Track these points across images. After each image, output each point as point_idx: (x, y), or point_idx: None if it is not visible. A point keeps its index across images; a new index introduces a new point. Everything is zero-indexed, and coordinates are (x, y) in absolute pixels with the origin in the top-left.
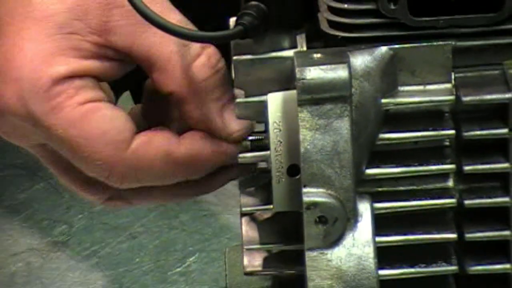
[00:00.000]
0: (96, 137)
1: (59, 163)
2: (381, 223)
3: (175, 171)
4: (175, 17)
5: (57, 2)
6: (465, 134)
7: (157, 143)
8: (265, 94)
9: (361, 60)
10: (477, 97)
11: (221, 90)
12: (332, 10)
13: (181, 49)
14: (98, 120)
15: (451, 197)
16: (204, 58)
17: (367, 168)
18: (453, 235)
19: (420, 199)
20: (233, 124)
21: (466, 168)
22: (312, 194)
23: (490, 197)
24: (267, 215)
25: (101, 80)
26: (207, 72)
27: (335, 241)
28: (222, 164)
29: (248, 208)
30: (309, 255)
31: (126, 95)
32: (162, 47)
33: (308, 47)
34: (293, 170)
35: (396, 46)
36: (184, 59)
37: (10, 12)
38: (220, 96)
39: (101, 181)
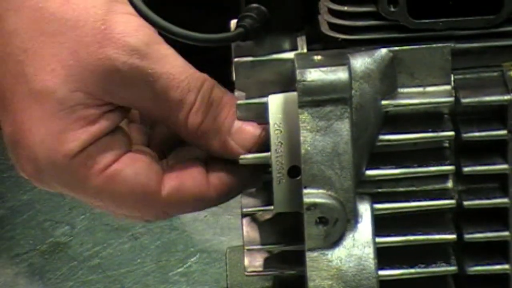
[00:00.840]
0: (126, 197)
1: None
2: (381, 224)
3: (203, 208)
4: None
5: (51, 77)
6: (464, 135)
7: (188, 189)
8: (266, 96)
9: (361, 62)
10: (476, 99)
11: (218, 129)
12: (332, 12)
13: (179, 104)
14: (122, 182)
15: (450, 198)
16: (195, 107)
17: (367, 169)
18: (452, 236)
19: (419, 200)
20: (239, 150)
21: (465, 169)
22: (313, 195)
23: (489, 198)
24: (268, 216)
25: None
26: (201, 116)
27: (336, 242)
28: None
29: (249, 209)
30: (310, 255)
31: None
32: (160, 106)
33: (308, 49)
34: (294, 171)
35: (396, 48)
36: (181, 113)
37: (11, 89)
38: (219, 133)
39: None
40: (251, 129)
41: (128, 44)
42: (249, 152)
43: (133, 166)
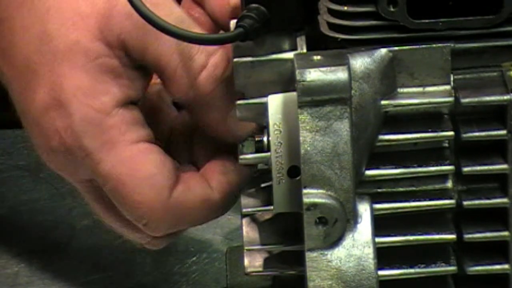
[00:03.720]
0: (143, 178)
1: (103, 201)
2: (381, 224)
3: (210, 215)
4: (177, 12)
5: (73, 31)
6: (464, 135)
7: (196, 191)
8: (266, 96)
9: (360, 62)
10: (476, 99)
11: (225, 100)
12: (332, 12)
13: (187, 62)
14: (148, 162)
15: (450, 198)
16: (208, 72)
17: (366, 169)
18: (452, 236)
19: (419, 200)
20: (237, 131)
21: (465, 169)
22: (312, 195)
23: (488, 198)
24: (267, 216)
25: (137, 100)
26: (211, 85)
27: (335, 242)
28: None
29: (249, 209)
30: (309, 255)
31: None
32: (169, 58)
33: (308, 49)
34: (294, 171)
35: (396, 48)
36: (189, 72)
37: (37, 51)
38: (224, 105)
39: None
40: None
41: None
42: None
43: (161, 155)
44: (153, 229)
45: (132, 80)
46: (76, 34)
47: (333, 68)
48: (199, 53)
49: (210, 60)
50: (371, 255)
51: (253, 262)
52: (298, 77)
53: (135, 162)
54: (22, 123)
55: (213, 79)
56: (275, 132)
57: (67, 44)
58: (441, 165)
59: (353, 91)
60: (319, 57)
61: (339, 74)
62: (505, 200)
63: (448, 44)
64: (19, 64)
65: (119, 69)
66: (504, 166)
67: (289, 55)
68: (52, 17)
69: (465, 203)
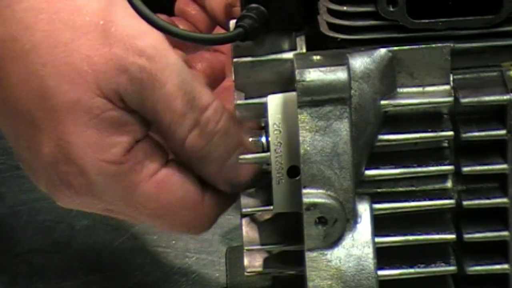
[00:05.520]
0: (175, 204)
1: None
2: (380, 224)
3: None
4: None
5: (71, 88)
6: (464, 135)
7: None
8: (265, 96)
9: (360, 62)
10: (476, 99)
11: (221, 151)
12: (332, 12)
13: (179, 119)
14: (173, 188)
15: (450, 198)
16: (199, 129)
17: (366, 169)
18: (451, 236)
19: (419, 200)
20: (235, 180)
21: (465, 169)
22: (312, 195)
23: (488, 198)
24: (267, 216)
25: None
26: (203, 141)
27: (335, 242)
28: None
29: (249, 209)
30: (309, 255)
31: None
32: (163, 115)
33: (307, 49)
34: (293, 171)
35: (395, 48)
36: (182, 130)
37: (39, 108)
38: (221, 156)
39: None
40: (246, 169)
41: (136, 45)
42: (239, 185)
43: (180, 173)
44: (199, 232)
45: (137, 122)
46: (76, 92)
47: (332, 68)
48: (191, 111)
49: (202, 117)
50: (371, 255)
51: (253, 262)
52: (297, 77)
53: (161, 194)
54: (24, 169)
55: (206, 135)
56: (275, 132)
57: (69, 102)
58: (440, 165)
59: (352, 91)
60: (318, 57)
61: (339, 74)
62: (505, 200)
63: (448, 44)
64: (20, 118)
65: (123, 117)
66: (504, 166)
67: (289, 55)
68: (49, 73)
69: (464, 203)
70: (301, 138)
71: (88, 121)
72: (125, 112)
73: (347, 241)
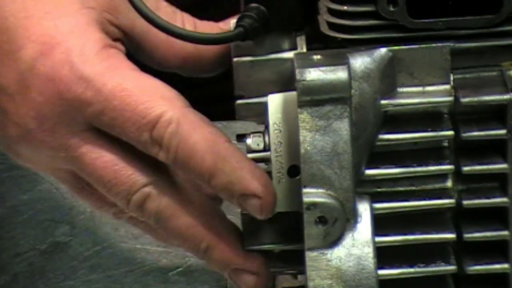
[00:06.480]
0: (152, 88)
1: (83, 188)
2: (381, 223)
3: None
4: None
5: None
6: (464, 135)
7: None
8: (265, 95)
9: (360, 61)
10: (476, 98)
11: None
12: (332, 12)
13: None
14: (153, 81)
15: (450, 198)
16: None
17: (366, 168)
18: (451, 235)
19: (419, 200)
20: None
21: (465, 168)
22: (312, 195)
23: (488, 198)
24: None
25: None
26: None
27: (335, 241)
28: None
29: None
30: (309, 255)
31: None
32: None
33: (308, 49)
34: (293, 170)
35: (395, 47)
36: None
37: (23, 9)
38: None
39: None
40: None
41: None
42: None
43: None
44: (159, 150)
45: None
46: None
47: (333, 67)
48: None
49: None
50: (371, 255)
51: None
52: (298, 77)
53: (141, 79)
54: None
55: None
56: (275, 132)
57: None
58: (440, 164)
59: (353, 91)
60: (319, 56)
61: (339, 74)
62: (504, 199)
63: (448, 44)
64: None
65: (106, 28)
66: (504, 165)
67: (289, 54)
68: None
69: (464, 202)
70: (301, 138)
71: (80, 8)
72: (109, 24)
73: (347, 240)
